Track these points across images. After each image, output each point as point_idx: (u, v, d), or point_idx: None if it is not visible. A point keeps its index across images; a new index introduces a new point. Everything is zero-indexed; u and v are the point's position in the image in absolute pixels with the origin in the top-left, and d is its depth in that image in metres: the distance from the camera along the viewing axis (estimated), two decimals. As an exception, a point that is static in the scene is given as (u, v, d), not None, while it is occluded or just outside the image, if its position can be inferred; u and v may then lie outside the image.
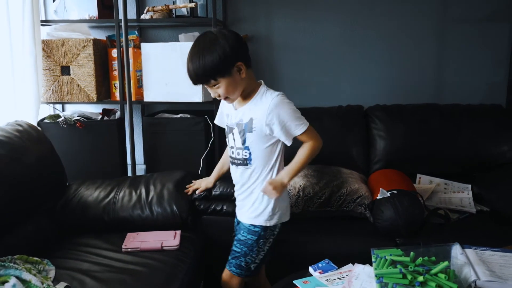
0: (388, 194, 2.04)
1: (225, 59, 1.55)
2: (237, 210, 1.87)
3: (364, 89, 2.92)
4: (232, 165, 1.80)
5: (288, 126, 1.68)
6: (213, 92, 1.64)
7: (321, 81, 2.94)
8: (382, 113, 2.65)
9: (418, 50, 2.87)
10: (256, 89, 1.70)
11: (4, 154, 1.78)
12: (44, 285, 1.35)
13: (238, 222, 1.86)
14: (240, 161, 1.75)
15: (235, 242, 1.84)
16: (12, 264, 1.37)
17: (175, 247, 1.89)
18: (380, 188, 2.10)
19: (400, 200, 1.98)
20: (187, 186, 2.13)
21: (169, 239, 1.93)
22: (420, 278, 1.36)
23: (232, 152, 1.76)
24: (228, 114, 1.77)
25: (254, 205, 1.77)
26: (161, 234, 1.98)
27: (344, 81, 2.93)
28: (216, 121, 1.91)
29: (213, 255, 2.11)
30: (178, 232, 1.98)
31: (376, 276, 1.39)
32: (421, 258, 1.42)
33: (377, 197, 2.09)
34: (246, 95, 1.70)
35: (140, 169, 2.87)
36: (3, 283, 1.31)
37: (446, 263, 1.39)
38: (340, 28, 2.89)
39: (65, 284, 1.54)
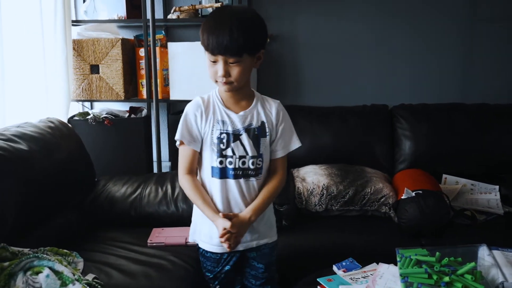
0: (413, 194, 2.03)
1: (265, 37, 1.48)
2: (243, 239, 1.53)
3: (389, 88, 2.90)
4: (235, 179, 1.50)
5: (289, 136, 1.58)
6: (222, 70, 1.40)
7: (345, 80, 2.93)
8: (407, 112, 2.62)
9: (445, 49, 2.84)
10: (252, 93, 1.56)
11: (37, 150, 1.84)
12: (75, 276, 1.39)
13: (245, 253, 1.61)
14: (252, 172, 1.51)
15: (260, 275, 1.65)
16: (45, 255, 1.41)
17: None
18: (405, 188, 2.09)
19: (426, 200, 1.97)
20: (222, 242, 1.48)
21: (185, 234, 1.96)
22: (446, 279, 1.35)
23: (243, 163, 1.49)
24: (223, 121, 1.49)
25: (269, 218, 1.63)
26: (186, 230, 1.99)
27: (369, 80, 2.92)
28: (187, 141, 1.49)
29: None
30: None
31: (401, 275, 1.39)
32: (447, 258, 1.42)
33: (402, 197, 2.08)
34: (243, 97, 1.53)
35: (166, 166, 2.92)
36: (37, 273, 1.35)
37: (473, 263, 1.38)
38: (365, 26, 2.88)
39: (93, 275, 1.58)
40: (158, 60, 2.65)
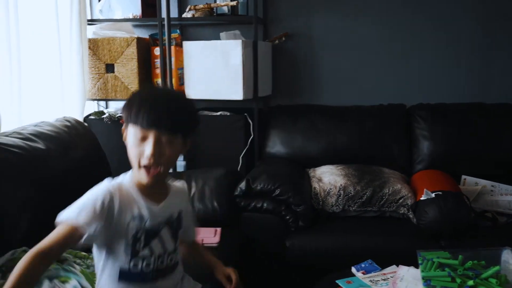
0: (433, 195, 1.99)
1: (197, 121, 1.30)
2: None
3: (407, 87, 2.85)
4: (152, 281, 1.26)
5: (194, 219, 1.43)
6: (151, 149, 1.16)
7: (362, 79, 2.90)
8: (425, 112, 2.59)
9: (464, 47, 2.78)
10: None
11: (53, 148, 1.84)
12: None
13: None
14: (171, 269, 1.31)
15: None
16: (72, 268, 1.41)
17: (215, 244, 1.90)
18: (424, 189, 2.05)
19: (446, 201, 1.93)
20: None
21: (210, 236, 1.95)
22: (470, 282, 1.32)
23: (161, 262, 1.26)
24: (141, 216, 1.22)
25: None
26: (202, 231, 1.99)
27: (386, 79, 2.87)
28: (82, 229, 1.13)
29: (253, 253, 2.12)
30: (219, 229, 2.00)
31: (423, 278, 1.37)
32: (470, 261, 1.38)
33: (421, 198, 2.04)
34: (161, 185, 1.31)
35: (180, 165, 2.91)
36: (64, 282, 1.35)
37: (497, 267, 1.35)
38: (381, 24, 2.83)
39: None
40: (173, 59, 2.64)
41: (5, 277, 1.36)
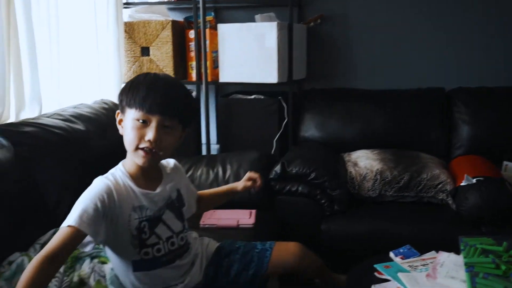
0: (474, 181, 1.94)
1: (196, 111, 1.37)
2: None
3: (446, 70, 2.76)
4: (168, 265, 1.29)
5: (192, 188, 1.49)
6: (153, 133, 1.18)
7: (399, 62, 2.82)
8: (466, 96, 2.51)
9: (506, 28, 2.66)
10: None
11: (93, 130, 1.87)
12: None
13: None
14: (183, 248, 1.33)
15: None
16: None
17: (251, 226, 1.91)
18: (465, 175, 2.00)
19: (488, 187, 1.88)
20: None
21: (245, 217, 1.96)
22: (516, 269, 1.28)
23: (172, 244, 1.29)
24: (140, 207, 1.25)
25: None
26: (237, 212, 2.00)
27: (424, 61, 2.79)
28: (86, 231, 1.14)
29: (287, 236, 2.11)
30: (254, 211, 2.00)
31: (465, 265, 1.33)
32: (516, 248, 1.34)
33: (461, 184, 1.99)
34: (153, 169, 1.32)
35: (214, 148, 2.93)
36: (103, 263, 1.38)
37: (545, 255, 1.30)
38: (419, 5, 2.74)
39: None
40: (207, 42, 2.64)
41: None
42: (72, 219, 1.14)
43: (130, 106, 1.21)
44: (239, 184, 1.58)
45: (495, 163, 2.27)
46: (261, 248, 1.47)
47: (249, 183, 1.57)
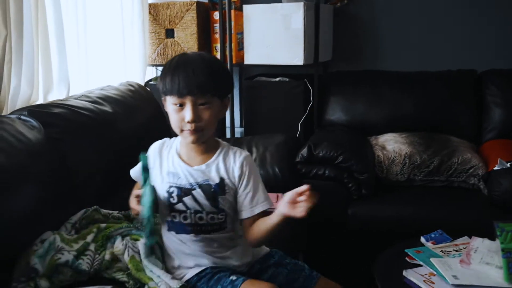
0: (508, 165, 1.88)
1: (231, 81, 1.36)
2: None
3: (478, 51, 2.67)
4: (196, 234, 1.33)
5: (257, 194, 1.36)
6: (190, 113, 1.22)
7: (428, 43, 2.74)
8: (498, 78, 2.43)
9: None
10: (217, 145, 1.37)
11: (120, 112, 1.87)
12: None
13: None
14: (214, 227, 1.34)
15: None
16: (141, 227, 1.45)
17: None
18: (499, 158, 1.94)
19: (523, 172, 1.82)
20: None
21: (272, 201, 1.94)
22: (556, 256, 1.24)
23: (200, 218, 1.32)
24: (174, 173, 1.32)
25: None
26: (264, 195, 1.99)
27: (455, 42, 2.71)
28: (133, 174, 1.47)
29: (314, 220, 2.09)
30: (280, 194, 1.98)
31: (502, 250, 1.30)
32: (556, 234, 1.30)
33: (494, 168, 1.93)
34: (206, 150, 1.34)
35: (238, 132, 2.91)
36: (135, 240, 1.40)
37: None
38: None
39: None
40: (232, 23, 2.60)
41: (78, 233, 1.42)
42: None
43: (165, 94, 1.28)
44: (284, 205, 1.29)
45: (529, 148, 2.21)
46: (309, 274, 1.44)
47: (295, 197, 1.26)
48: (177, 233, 1.34)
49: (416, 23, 2.74)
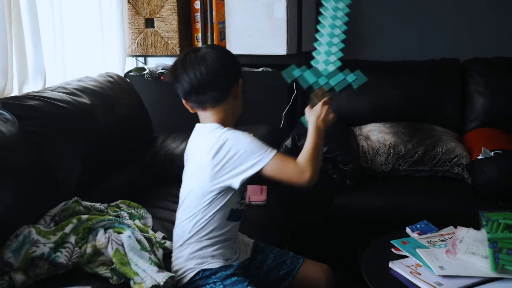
0: (492, 154, 1.89)
1: (227, 68, 1.41)
2: None
3: (461, 40, 2.67)
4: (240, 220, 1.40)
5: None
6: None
7: (412, 32, 2.73)
8: (482, 66, 2.43)
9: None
10: None
11: (99, 104, 1.82)
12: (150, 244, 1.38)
13: None
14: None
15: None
16: (125, 221, 1.41)
17: (262, 203, 1.87)
18: (483, 147, 1.95)
19: (507, 160, 1.83)
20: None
21: (256, 194, 1.91)
22: (542, 245, 1.24)
23: (241, 204, 1.39)
24: None
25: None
26: (248, 188, 1.95)
27: (438, 31, 2.70)
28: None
29: (300, 211, 2.08)
30: (265, 187, 1.95)
31: (489, 240, 1.29)
32: (541, 223, 1.30)
33: (478, 157, 1.94)
34: None
35: (221, 123, 2.86)
36: (119, 233, 1.35)
37: None
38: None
39: (163, 234, 1.57)
40: (214, 12, 2.55)
41: (57, 225, 1.38)
42: (268, 148, 1.29)
43: (240, 77, 1.43)
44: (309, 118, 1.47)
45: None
46: (295, 256, 1.51)
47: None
48: (234, 221, 1.36)
49: (399, 12, 2.72)
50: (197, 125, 1.44)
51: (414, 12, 2.70)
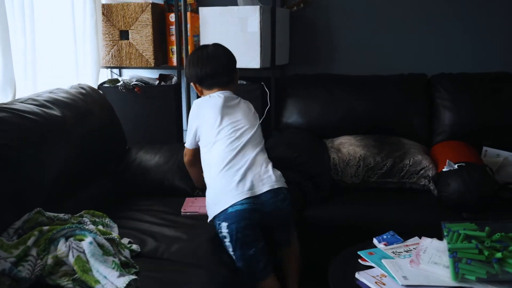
0: (456, 167, 1.95)
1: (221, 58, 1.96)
2: None
3: (428, 56, 2.76)
4: None
5: None
6: None
7: (381, 48, 2.80)
8: (447, 81, 2.51)
9: (488, 13, 2.66)
10: None
11: (70, 116, 1.81)
12: (114, 246, 1.38)
13: None
14: None
15: None
16: (87, 226, 1.40)
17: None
18: (447, 160, 2.00)
19: (470, 173, 1.89)
20: None
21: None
22: (498, 255, 1.29)
23: None
24: None
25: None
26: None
27: (406, 47, 2.78)
28: None
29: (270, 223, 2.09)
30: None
31: (449, 250, 1.33)
32: (498, 233, 1.35)
33: (443, 169, 1.99)
34: None
35: (195, 135, 2.87)
36: (80, 240, 1.35)
37: (527, 240, 1.31)
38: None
39: (128, 239, 1.57)
40: (188, 25, 2.58)
41: (20, 237, 1.36)
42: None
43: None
44: None
45: (476, 149, 2.29)
46: None
47: None
48: None
49: (370, 28, 2.79)
50: (219, 92, 1.88)
51: (384, 29, 2.78)
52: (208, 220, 1.72)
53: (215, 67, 1.85)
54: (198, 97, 1.95)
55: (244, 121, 1.81)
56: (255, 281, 1.67)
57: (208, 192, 1.76)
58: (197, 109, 1.87)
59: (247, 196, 1.63)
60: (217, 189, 1.70)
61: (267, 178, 1.70)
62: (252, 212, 1.63)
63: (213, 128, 1.78)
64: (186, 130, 1.92)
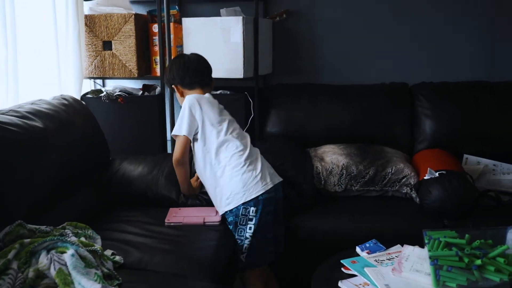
0: (437, 174, 1.98)
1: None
2: None
3: (409, 65, 2.81)
4: None
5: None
6: None
7: (363, 58, 2.85)
8: (428, 90, 2.56)
9: (467, 23, 2.73)
10: None
11: (52, 127, 1.80)
12: (96, 258, 1.37)
13: None
14: None
15: None
16: (69, 238, 1.39)
17: (217, 223, 1.88)
18: (428, 168, 2.04)
19: (450, 180, 1.92)
20: None
21: (211, 215, 1.93)
22: (478, 262, 1.31)
23: None
24: None
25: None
26: (203, 210, 1.98)
27: (388, 57, 2.83)
28: None
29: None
30: (220, 208, 1.97)
31: (430, 258, 1.35)
32: (478, 240, 1.37)
33: (425, 177, 2.03)
34: None
35: (178, 145, 2.87)
36: (62, 252, 1.33)
37: (505, 246, 1.34)
38: (383, 1, 2.78)
39: (112, 251, 1.56)
40: (172, 36, 2.58)
41: (0, 250, 1.35)
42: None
43: None
44: None
45: (456, 157, 2.33)
46: None
47: None
48: None
49: (352, 38, 2.84)
50: (207, 94, 2.01)
51: (366, 39, 2.83)
52: (222, 212, 1.87)
53: (198, 66, 2.01)
54: (181, 107, 1.96)
55: (233, 119, 2.01)
56: (259, 265, 1.88)
57: (224, 186, 1.85)
58: (197, 102, 1.91)
59: (271, 186, 1.85)
60: (242, 181, 1.83)
61: (274, 172, 1.93)
62: (274, 200, 1.86)
63: (219, 125, 1.91)
64: (177, 118, 1.96)
